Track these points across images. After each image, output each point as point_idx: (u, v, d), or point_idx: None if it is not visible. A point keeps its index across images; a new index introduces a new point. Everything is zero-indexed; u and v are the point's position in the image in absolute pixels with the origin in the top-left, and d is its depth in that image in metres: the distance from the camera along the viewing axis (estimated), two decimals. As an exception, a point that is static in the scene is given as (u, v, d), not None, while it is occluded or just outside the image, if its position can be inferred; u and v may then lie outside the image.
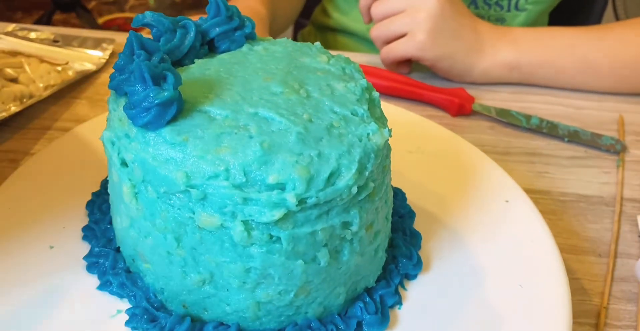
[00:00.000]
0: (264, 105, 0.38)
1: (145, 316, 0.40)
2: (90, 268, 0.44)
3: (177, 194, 0.35)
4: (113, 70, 0.39)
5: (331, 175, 0.35)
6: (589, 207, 0.60)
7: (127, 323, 0.40)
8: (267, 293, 0.38)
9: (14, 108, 0.62)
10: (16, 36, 0.75)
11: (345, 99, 0.40)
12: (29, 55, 0.69)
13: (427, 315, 0.42)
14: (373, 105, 0.41)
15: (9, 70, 0.65)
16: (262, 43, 0.45)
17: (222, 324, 0.40)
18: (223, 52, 0.44)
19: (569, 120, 0.71)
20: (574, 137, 0.67)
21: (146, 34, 0.40)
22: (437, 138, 0.59)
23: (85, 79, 0.72)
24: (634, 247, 0.56)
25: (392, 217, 0.47)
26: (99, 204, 0.48)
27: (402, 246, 0.46)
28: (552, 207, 0.59)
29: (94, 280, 0.43)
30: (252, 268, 0.37)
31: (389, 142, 0.41)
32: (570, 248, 0.55)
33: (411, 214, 0.50)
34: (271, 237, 0.35)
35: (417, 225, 0.50)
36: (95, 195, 0.50)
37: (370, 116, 0.39)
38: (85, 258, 0.44)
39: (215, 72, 0.40)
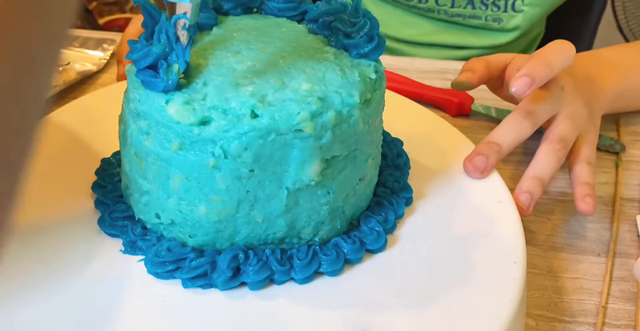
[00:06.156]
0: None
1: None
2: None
3: None
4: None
5: None
6: (588, 206, 0.60)
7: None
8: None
9: (15, 109, 0.62)
10: (17, 36, 0.75)
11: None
12: (30, 56, 0.70)
13: None
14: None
15: (10, 71, 0.65)
16: None
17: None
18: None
19: (568, 121, 0.71)
20: (573, 137, 0.67)
21: None
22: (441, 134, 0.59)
23: (86, 79, 0.72)
24: (633, 246, 0.56)
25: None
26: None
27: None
28: (552, 206, 0.60)
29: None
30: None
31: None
32: (569, 248, 0.55)
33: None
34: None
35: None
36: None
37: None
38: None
39: (247, 24, 0.48)
